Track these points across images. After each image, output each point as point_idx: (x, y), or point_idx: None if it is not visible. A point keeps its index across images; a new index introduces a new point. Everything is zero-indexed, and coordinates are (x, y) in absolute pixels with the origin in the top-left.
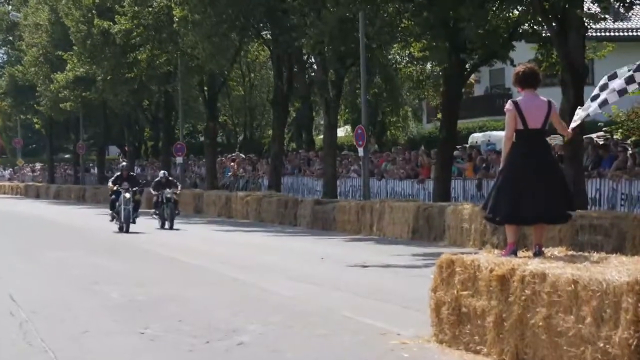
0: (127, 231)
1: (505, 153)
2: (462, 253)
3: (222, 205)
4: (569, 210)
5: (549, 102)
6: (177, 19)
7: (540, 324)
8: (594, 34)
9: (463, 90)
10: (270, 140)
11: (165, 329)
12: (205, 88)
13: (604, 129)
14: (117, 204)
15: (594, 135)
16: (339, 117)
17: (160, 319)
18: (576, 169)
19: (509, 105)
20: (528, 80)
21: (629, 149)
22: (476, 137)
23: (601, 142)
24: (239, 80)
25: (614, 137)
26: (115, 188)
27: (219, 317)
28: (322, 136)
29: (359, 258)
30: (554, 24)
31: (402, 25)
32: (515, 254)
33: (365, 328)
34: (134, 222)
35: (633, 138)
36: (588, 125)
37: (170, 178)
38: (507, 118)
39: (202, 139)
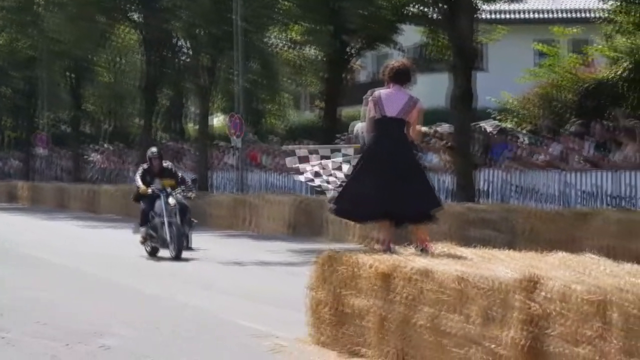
0: (178, 257)
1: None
2: (343, 249)
3: (88, 200)
4: (429, 209)
5: (413, 98)
6: (40, 1)
7: (425, 324)
8: (486, 17)
9: (346, 76)
10: (139, 130)
11: (27, 333)
12: (70, 74)
13: (494, 116)
14: (151, 214)
15: (484, 123)
16: (212, 105)
17: (22, 322)
18: (465, 159)
19: (368, 93)
20: (398, 76)
21: (522, 138)
22: (358, 126)
23: (492, 131)
24: (106, 66)
25: (506, 125)
26: (149, 191)
27: (85, 320)
28: (194, 125)
29: (233, 255)
30: (443, 6)
31: (281, 6)
32: (390, 251)
33: (240, 330)
34: (188, 246)
35: (526, 127)
36: (478, 113)
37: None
38: (367, 108)
39: (66, 128)
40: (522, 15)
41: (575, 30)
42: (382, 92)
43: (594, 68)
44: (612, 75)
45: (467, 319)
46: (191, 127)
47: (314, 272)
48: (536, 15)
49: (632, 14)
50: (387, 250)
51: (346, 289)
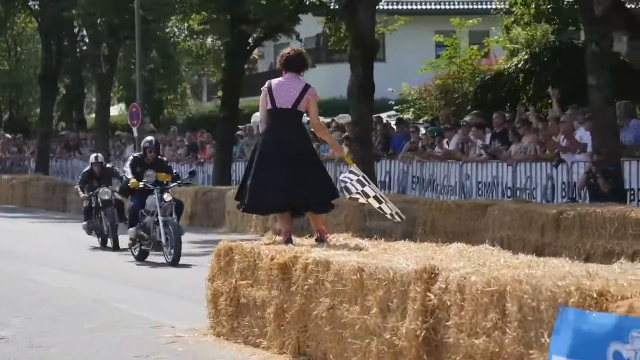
0: (175, 262)
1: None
2: (242, 240)
3: None
4: (326, 198)
5: (306, 86)
6: None
7: (324, 315)
8: (385, 7)
9: (246, 66)
10: (37, 119)
11: None
12: None
13: (394, 107)
14: (141, 212)
15: (384, 115)
16: (112, 94)
17: None
18: (364, 150)
19: (264, 86)
20: (291, 63)
21: (421, 129)
22: (259, 117)
23: (392, 122)
24: (3, 55)
25: (405, 116)
26: (140, 184)
27: None
28: (93, 115)
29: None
30: None
31: None
32: (291, 242)
33: (138, 321)
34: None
35: (425, 117)
36: (378, 105)
37: (109, 165)
38: (261, 99)
39: None
40: (422, 6)
41: (474, 21)
42: (273, 82)
43: (493, 60)
44: (510, 66)
45: (365, 310)
46: (91, 117)
47: (213, 263)
48: (436, 7)
49: (530, 5)
50: (288, 241)
51: (245, 280)
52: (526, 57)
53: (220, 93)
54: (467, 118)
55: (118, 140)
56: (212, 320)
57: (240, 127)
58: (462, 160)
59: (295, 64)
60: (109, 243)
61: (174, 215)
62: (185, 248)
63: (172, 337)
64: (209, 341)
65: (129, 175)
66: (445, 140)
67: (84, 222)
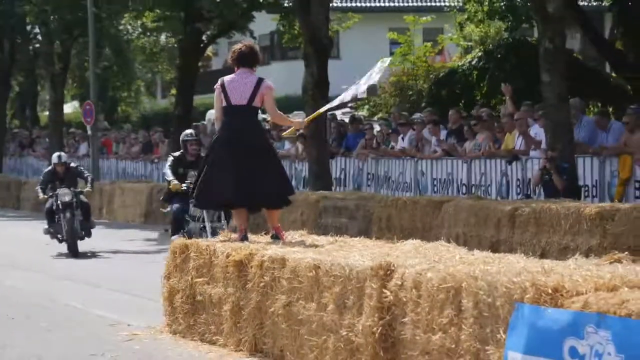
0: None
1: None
2: (199, 238)
3: None
4: (282, 194)
5: (259, 80)
6: None
7: (280, 312)
8: (339, 4)
9: (200, 63)
10: None
11: None
12: None
13: (349, 104)
14: (185, 218)
15: (338, 112)
16: (66, 92)
17: None
18: (319, 147)
19: (217, 84)
20: (243, 59)
21: (376, 126)
22: (213, 114)
23: (346, 119)
24: None
25: (360, 113)
26: (184, 187)
27: None
28: (47, 113)
29: (87, 244)
30: None
31: None
32: (247, 239)
33: (94, 319)
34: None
35: (380, 115)
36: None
37: (73, 165)
38: (215, 97)
39: None
40: (375, 3)
41: (428, 19)
42: (226, 79)
43: (447, 57)
44: (464, 64)
45: (322, 307)
46: (44, 115)
47: (168, 260)
48: (390, 4)
49: (484, 3)
50: (244, 238)
51: (201, 278)
52: (480, 54)
53: (174, 91)
54: (416, 115)
55: (72, 137)
56: (169, 318)
57: (194, 124)
58: (416, 157)
59: (248, 59)
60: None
61: (223, 221)
62: (140, 245)
63: (129, 335)
64: (166, 339)
65: (170, 177)
66: (400, 137)
67: (45, 227)
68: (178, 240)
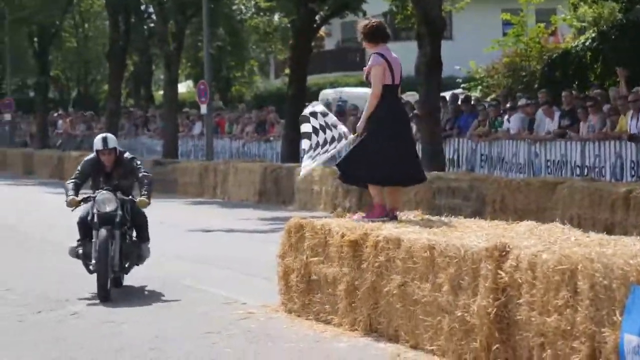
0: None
1: (370, 111)
2: (312, 217)
3: (54, 166)
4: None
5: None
6: None
7: (395, 292)
8: None
9: (313, 43)
10: (106, 96)
11: None
12: (35, 39)
13: (462, 85)
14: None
15: (450, 93)
16: (180, 71)
17: None
18: (433, 128)
19: (378, 58)
20: (382, 34)
21: (489, 107)
22: (327, 94)
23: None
24: (71, 31)
25: (473, 94)
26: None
27: (50, 287)
28: (162, 92)
29: (201, 223)
30: None
31: None
32: (388, 216)
33: (209, 298)
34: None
35: (493, 96)
36: (445, 82)
37: (128, 155)
38: (375, 73)
39: (32, 94)
40: None
41: None
42: (388, 57)
43: (560, 38)
44: (578, 45)
45: (437, 288)
46: (159, 94)
47: (283, 240)
48: None
49: None
50: (387, 215)
51: (316, 257)
52: (593, 35)
53: (287, 70)
54: (521, 101)
55: (186, 117)
56: (284, 297)
57: (307, 104)
58: (530, 139)
59: (385, 34)
60: (110, 278)
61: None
62: (254, 224)
63: (244, 313)
64: (281, 318)
65: (71, 192)
66: (511, 118)
67: (73, 245)
68: (293, 219)
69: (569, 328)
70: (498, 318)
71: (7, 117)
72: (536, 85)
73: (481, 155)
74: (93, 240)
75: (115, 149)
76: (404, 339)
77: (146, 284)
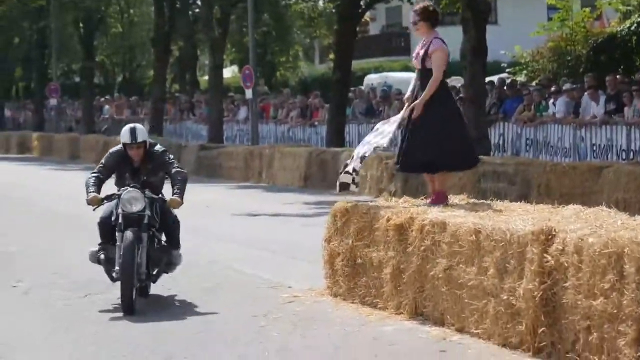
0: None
1: (429, 96)
2: (358, 201)
3: (100, 151)
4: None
5: None
6: None
7: (441, 275)
8: None
9: (358, 28)
10: (151, 82)
11: (39, 283)
12: (81, 25)
13: (507, 70)
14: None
15: (496, 77)
16: (225, 56)
17: (32, 271)
18: (478, 113)
19: (442, 43)
20: (438, 18)
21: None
22: (372, 79)
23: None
24: (117, 17)
25: (518, 79)
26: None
27: (96, 270)
28: (207, 77)
29: (247, 207)
30: None
31: None
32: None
33: (255, 281)
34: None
35: (538, 80)
36: (490, 67)
37: (159, 147)
38: (441, 57)
39: (77, 79)
40: None
41: None
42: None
43: (605, 22)
44: (623, 29)
45: (483, 271)
46: (204, 79)
47: (329, 224)
48: None
49: None
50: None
51: (362, 241)
52: (639, 19)
53: (332, 56)
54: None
55: (231, 102)
56: (329, 281)
57: (352, 89)
58: (575, 123)
59: (438, 18)
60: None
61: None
62: (299, 208)
63: (290, 297)
64: (326, 301)
65: (92, 189)
66: (556, 102)
67: (94, 249)
68: (339, 203)
69: (615, 311)
70: (544, 301)
71: (53, 102)
72: (581, 70)
73: (526, 139)
74: (117, 244)
75: (144, 142)
76: (449, 322)
77: (191, 267)
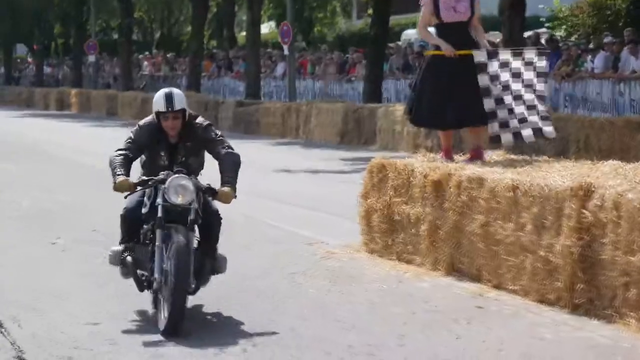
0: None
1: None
2: (394, 157)
3: (138, 108)
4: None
5: None
6: None
7: (478, 232)
8: None
9: None
10: (188, 38)
11: (77, 240)
12: None
13: (546, 25)
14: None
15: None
16: (262, 12)
17: (71, 228)
18: None
19: None
20: None
21: (572, 45)
22: (409, 34)
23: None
24: None
25: (557, 33)
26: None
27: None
28: (244, 33)
29: (283, 163)
30: None
31: None
32: (452, 159)
33: (291, 237)
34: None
35: (577, 35)
36: (529, 22)
37: (201, 120)
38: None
39: (116, 36)
40: None
41: None
42: None
43: None
44: None
45: (520, 227)
46: (241, 36)
47: (366, 180)
48: None
49: None
50: (450, 158)
51: (399, 197)
52: None
53: (370, 11)
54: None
55: (269, 58)
56: (366, 237)
57: (390, 45)
58: (614, 78)
59: None
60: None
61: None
62: (336, 164)
63: (326, 253)
64: (363, 258)
65: (120, 177)
66: (595, 58)
67: (116, 248)
68: (375, 159)
69: None
70: (582, 258)
71: (92, 58)
72: (621, 24)
73: (565, 95)
74: (157, 244)
75: (183, 110)
76: (486, 278)
77: (227, 223)
